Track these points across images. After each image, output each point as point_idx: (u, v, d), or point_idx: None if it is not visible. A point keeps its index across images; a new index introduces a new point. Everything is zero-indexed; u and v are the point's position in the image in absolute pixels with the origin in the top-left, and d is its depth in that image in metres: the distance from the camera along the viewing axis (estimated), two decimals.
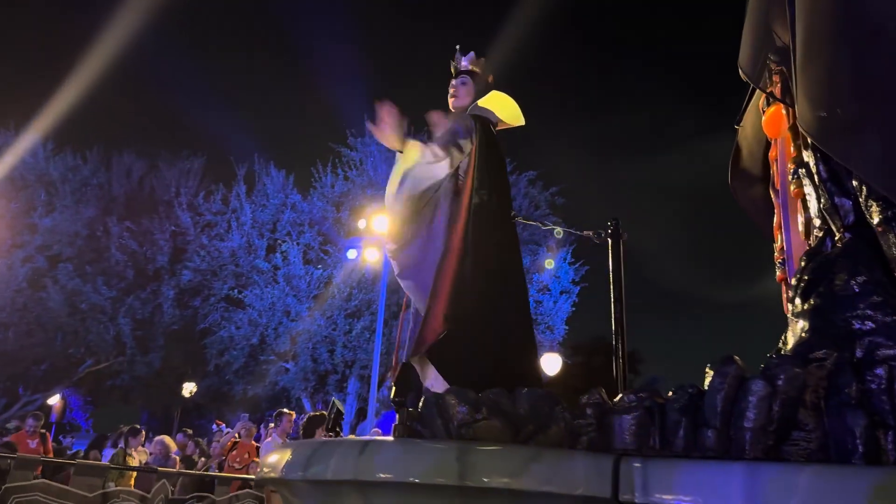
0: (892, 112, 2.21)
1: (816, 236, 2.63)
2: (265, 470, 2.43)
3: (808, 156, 2.70)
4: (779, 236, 3.40)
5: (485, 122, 3.74)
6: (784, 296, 3.35)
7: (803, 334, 2.14)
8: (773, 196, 3.49)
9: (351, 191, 21.00)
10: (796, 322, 2.24)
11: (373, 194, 19.65)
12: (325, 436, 6.37)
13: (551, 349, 18.63)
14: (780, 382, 1.79)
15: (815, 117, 2.43)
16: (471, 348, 3.09)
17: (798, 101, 2.54)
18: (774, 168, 3.45)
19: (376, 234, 16.01)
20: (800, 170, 2.80)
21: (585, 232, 4.24)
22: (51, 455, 10.06)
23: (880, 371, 1.84)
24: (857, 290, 2.10)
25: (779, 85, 3.10)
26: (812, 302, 2.22)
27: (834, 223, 2.52)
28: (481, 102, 3.89)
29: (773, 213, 3.26)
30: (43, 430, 10.28)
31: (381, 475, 1.88)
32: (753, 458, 1.75)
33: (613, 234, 3.91)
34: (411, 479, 1.84)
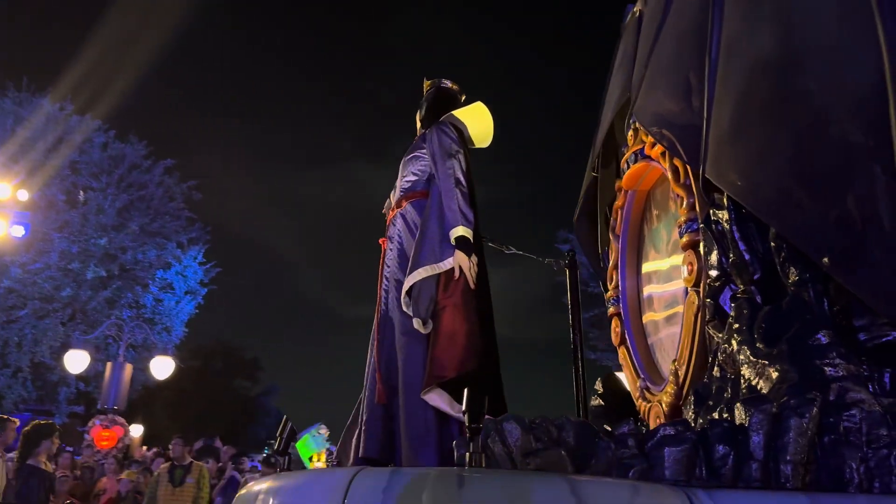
0: (831, 193, 2.56)
1: (711, 285, 2.96)
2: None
3: (716, 214, 3.02)
4: (614, 276, 3.89)
5: (462, 135, 3.71)
6: (614, 329, 3.90)
7: (784, 377, 2.34)
8: (612, 240, 4.00)
9: None
10: (765, 365, 2.44)
11: None
12: (273, 459, 4.89)
13: (164, 352, 17.42)
14: (805, 420, 2.02)
15: (748, 188, 2.80)
16: (485, 377, 3.19)
17: (722, 169, 2.90)
18: (619, 216, 3.95)
19: None
20: (698, 224, 3.13)
21: (547, 260, 4.31)
22: None
23: (854, 412, 2.14)
24: (825, 342, 2.38)
25: (655, 146, 3.50)
26: (783, 348, 2.43)
27: (741, 276, 2.87)
28: (458, 113, 3.84)
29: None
30: None
31: None
32: (794, 488, 1.97)
33: (571, 263, 4.00)
34: None
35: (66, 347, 15.51)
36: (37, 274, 17.12)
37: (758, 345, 2.51)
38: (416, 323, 3.26)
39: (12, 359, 16.81)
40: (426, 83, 4.05)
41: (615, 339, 3.91)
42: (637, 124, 3.82)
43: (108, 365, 14.21)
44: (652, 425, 3.29)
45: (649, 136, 3.66)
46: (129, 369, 14.43)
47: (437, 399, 3.11)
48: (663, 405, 3.34)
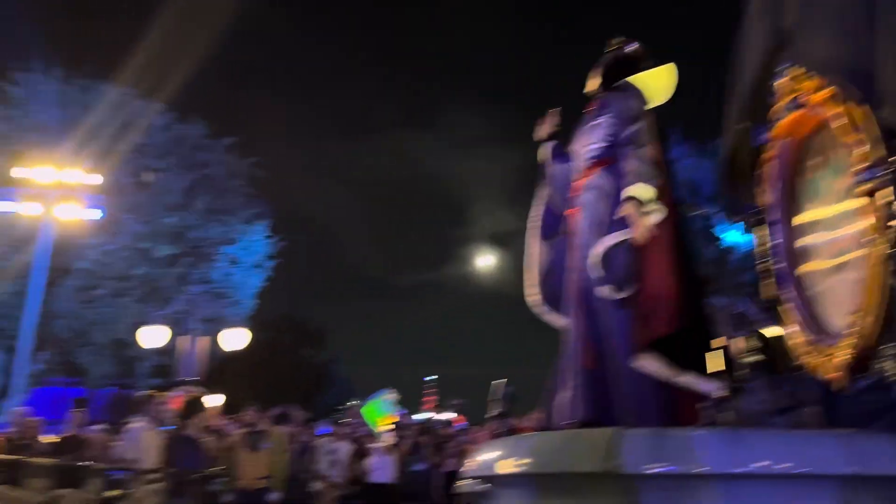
0: None
1: None
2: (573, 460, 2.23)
3: None
4: (767, 229, 3.85)
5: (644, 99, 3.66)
6: (768, 283, 3.85)
7: None
8: (762, 193, 3.97)
9: (11, 133, 17.99)
10: None
11: (38, 140, 17.04)
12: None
13: (236, 324, 18.06)
14: None
15: None
16: (698, 335, 3.20)
17: None
18: (771, 167, 3.91)
19: (39, 186, 13.99)
20: (879, 171, 3.07)
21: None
22: None
23: None
24: None
25: (817, 92, 3.44)
26: None
27: None
28: (640, 77, 3.77)
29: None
30: None
31: (779, 467, 1.87)
32: None
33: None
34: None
35: (142, 324, 16.26)
36: (111, 255, 17.90)
37: None
38: (612, 289, 3.27)
39: (94, 336, 17.71)
40: (611, 43, 3.93)
41: (769, 293, 3.87)
42: (793, 71, 3.69)
43: (184, 339, 14.85)
44: (828, 379, 3.24)
45: (809, 83, 3.54)
46: (203, 342, 15.07)
47: (649, 362, 3.14)
48: (841, 358, 3.23)
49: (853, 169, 3.18)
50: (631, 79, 3.73)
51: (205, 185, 19.98)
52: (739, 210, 4.26)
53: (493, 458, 2.60)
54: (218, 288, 19.59)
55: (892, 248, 2.91)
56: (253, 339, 18.59)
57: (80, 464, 5.90)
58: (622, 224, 3.32)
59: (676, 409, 3.12)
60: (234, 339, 17.51)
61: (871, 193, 3.03)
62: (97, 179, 15.23)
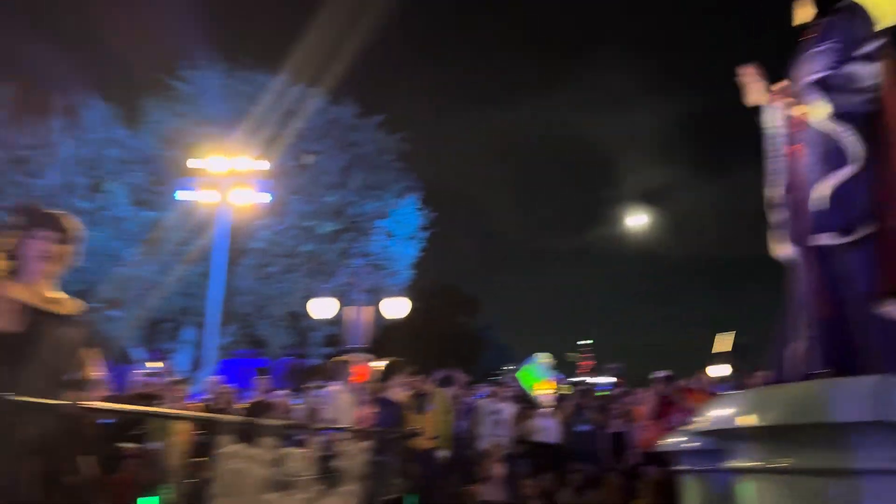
0: None
1: None
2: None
3: None
4: None
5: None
6: None
7: None
8: None
9: (185, 128, 19.78)
10: None
11: (209, 132, 18.63)
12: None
13: (395, 294, 18.91)
14: None
15: None
16: None
17: None
18: None
19: (214, 175, 15.26)
20: None
21: None
22: None
23: None
24: None
25: None
26: None
27: None
28: None
29: None
30: None
31: None
32: None
33: None
34: None
35: (311, 297, 17.45)
36: (281, 234, 19.28)
37: None
38: (841, 232, 3.05)
39: (271, 310, 19.24)
40: None
41: None
42: None
43: (349, 309, 15.78)
44: None
45: None
46: (367, 311, 15.92)
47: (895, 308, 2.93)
48: None
49: None
50: None
51: (358, 163, 20.94)
52: None
53: (730, 413, 2.58)
54: (377, 260, 20.56)
55: None
56: (411, 307, 19.42)
57: (296, 425, 6.48)
58: (851, 158, 3.05)
59: None
60: (395, 307, 18.33)
61: None
62: (264, 165, 16.38)
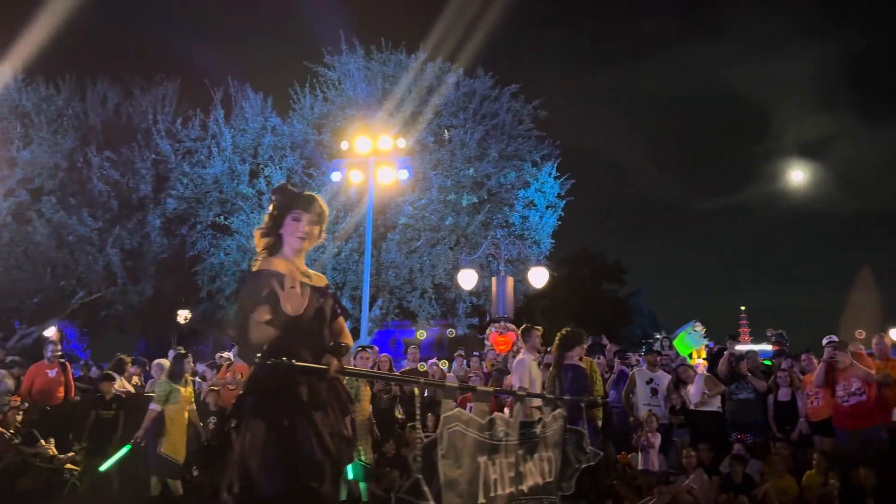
0: None
1: None
2: None
3: None
4: None
5: None
6: None
7: None
8: None
9: (331, 112, 20.78)
10: None
11: (353, 115, 19.46)
12: None
13: (538, 263, 18.99)
14: None
15: None
16: None
17: None
18: None
19: (359, 156, 15.94)
20: None
21: None
22: (72, 384, 10.27)
23: None
24: None
25: None
26: None
27: None
28: None
29: None
30: (62, 360, 10.25)
31: None
32: None
33: None
34: None
35: (457, 268, 17.89)
36: (423, 209, 19.83)
37: None
38: None
39: (418, 282, 19.93)
40: None
41: None
42: None
43: (493, 280, 16.02)
44: None
45: None
46: (510, 282, 16.09)
47: None
48: None
49: None
50: None
51: (495, 135, 21.04)
52: None
53: None
54: (518, 230, 20.68)
55: None
56: (554, 276, 19.44)
57: (502, 391, 6.80)
58: None
59: None
60: (537, 277, 18.39)
61: None
62: (402, 143, 16.90)
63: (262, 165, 20.42)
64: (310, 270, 3.32)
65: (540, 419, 4.69)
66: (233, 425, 2.98)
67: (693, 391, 8.93)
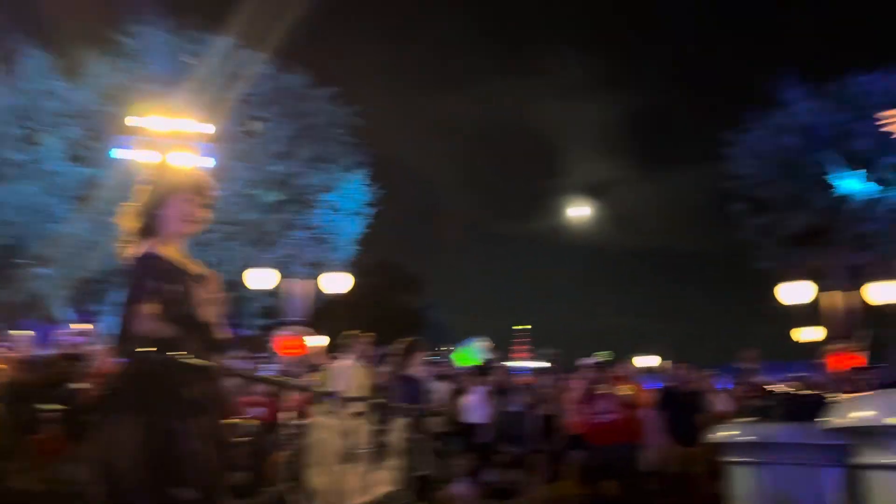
0: None
1: None
2: None
3: None
4: None
5: None
6: None
7: None
8: None
9: (126, 84, 19.04)
10: None
11: (150, 90, 17.94)
12: None
13: (337, 269, 18.78)
14: None
15: None
16: None
17: None
18: None
19: (154, 135, 14.76)
20: None
21: None
22: None
23: None
24: None
25: None
26: None
27: None
28: None
29: None
30: None
31: None
32: None
33: None
34: None
35: (251, 266, 17.17)
36: (223, 200, 18.83)
37: None
38: None
39: None
40: None
41: None
42: None
43: (289, 281, 15.59)
44: None
45: None
46: (307, 285, 15.76)
47: None
48: None
49: None
50: None
51: (308, 134, 20.58)
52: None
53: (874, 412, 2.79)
54: (320, 233, 20.32)
55: None
56: (353, 283, 19.32)
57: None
58: None
59: None
60: (336, 282, 18.18)
61: None
62: (209, 128, 15.95)
63: (38, 131, 18.25)
64: (189, 259, 2.98)
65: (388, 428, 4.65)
66: (97, 419, 2.69)
67: (470, 402, 9.19)
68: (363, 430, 3.90)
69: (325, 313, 21.92)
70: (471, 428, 9.03)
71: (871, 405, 2.83)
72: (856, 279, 16.87)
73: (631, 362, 9.95)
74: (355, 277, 19.52)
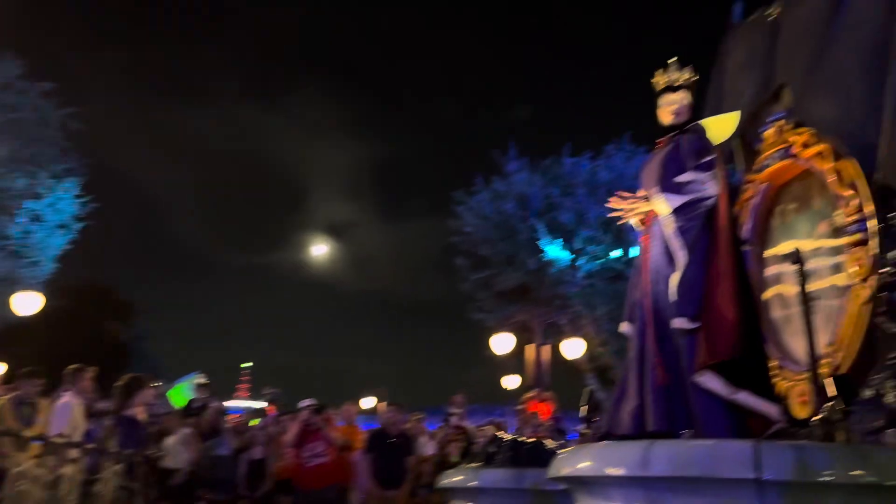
0: None
1: (887, 281, 3.47)
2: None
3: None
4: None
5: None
6: None
7: None
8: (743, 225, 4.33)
9: None
10: None
11: None
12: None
13: (31, 287, 16.40)
14: None
15: None
16: (754, 359, 3.64)
17: None
18: (747, 207, 4.33)
19: None
20: (866, 224, 3.59)
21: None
22: None
23: None
24: None
25: (808, 147, 3.96)
26: None
27: None
28: (706, 121, 4.16)
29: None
30: None
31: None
32: None
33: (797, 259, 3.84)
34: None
35: None
36: None
37: None
38: (687, 320, 3.60)
39: None
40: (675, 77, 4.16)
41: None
42: (782, 124, 4.23)
43: None
44: (796, 403, 3.74)
45: (798, 136, 4.10)
46: None
47: (712, 381, 3.48)
48: (805, 386, 3.66)
49: (844, 219, 3.79)
50: (703, 122, 4.14)
51: (12, 130, 17.91)
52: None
53: (595, 462, 2.95)
54: (15, 244, 17.68)
55: (876, 293, 3.44)
56: (50, 305, 17.00)
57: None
58: (693, 253, 3.69)
59: (740, 423, 3.50)
60: (27, 303, 15.93)
61: (860, 243, 3.65)
62: None
63: None
64: None
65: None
66: None
67: (169, 444, 8.55)
68: (75, 478, 3.42)
69: (13, 338, 18.99)
70: (171, 472, 8.37)
71: (592, 455, 3.12)
72: (555, 335, 19.01)
73: (352, 404, 10.09)
74: (54, 299, 17.23)
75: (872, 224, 3.65)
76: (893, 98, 3.68)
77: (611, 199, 4.23)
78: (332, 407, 10.08)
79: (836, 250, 3.99)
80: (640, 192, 4.11)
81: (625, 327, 4.10)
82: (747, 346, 3.58)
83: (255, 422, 10.45)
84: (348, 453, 8.84)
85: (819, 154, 4.08)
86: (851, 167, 3.86)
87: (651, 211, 3.96)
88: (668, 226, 3.81)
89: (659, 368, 3.70)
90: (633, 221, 4.10)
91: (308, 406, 8.86)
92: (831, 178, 3.97)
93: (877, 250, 3.62)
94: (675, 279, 3.71)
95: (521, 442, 4.56)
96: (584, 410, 3.55)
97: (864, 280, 3.69)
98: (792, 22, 4.48)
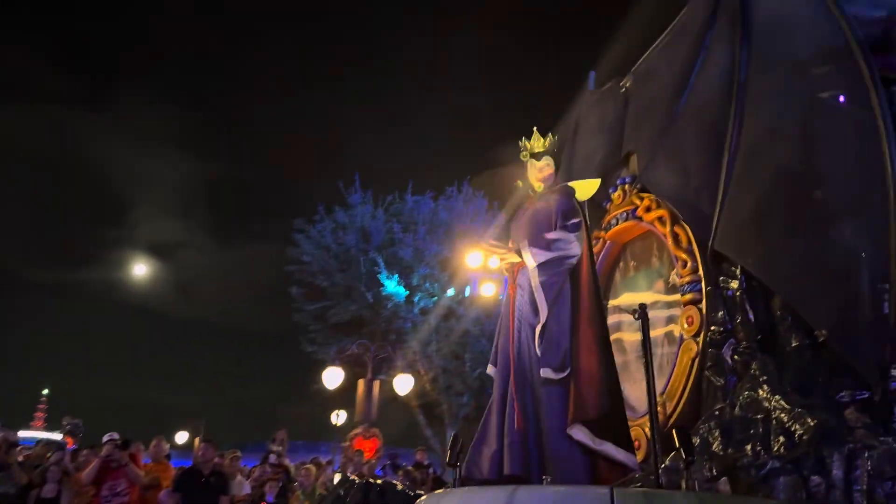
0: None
1: (714, 338, 3.85)
2: None
3: (726, 281, 3.88)
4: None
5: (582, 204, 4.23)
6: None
7: (823, 423, 3.38)
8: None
9: None
10: (800, 413, 3.40)
11: None
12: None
13: None
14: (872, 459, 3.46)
15: (766, 267, 3.67)
16: (616, 411, 3.83)
17: (741, 248, 3.82)
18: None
19: None
20: (700, 286, 4.02)
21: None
22: None
23: (872, 454, 3.34)
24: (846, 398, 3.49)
25: (650, 211, 4.47)
26: (816, 402, 3.46)
27: (747, 334, 3.75)
28: (573, 184, 4.36)
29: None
30: None
31: None
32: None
33: (643, 315, 3.78)
34: None
35: None
36: None
37: (791, 395, 3.45)
38: (552, 370, 3.74)
39: None
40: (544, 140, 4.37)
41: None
42: (628, 188, 4.62)
43: None
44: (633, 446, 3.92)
45: (642, 200, 4.61)
46: None
47: (580, 433, 3.65)
48: (644, 430, 4.12)
49: (679, 280, 4.21)
50: (572, 183, 4.38)
51: None
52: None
53: None
54: None
55: (705, 348, 3.81)
56: None
57: None
58: (555, 307, 3.86)
59: (594, 471, 3.67)
60: None
61: (693, 302, 4.11)
62: None
63: None
64: None
65: None
66: None
67: None
68: None
69: None
70: None
71: (458, 501, 3.15)
72: (388, 370, 18.99)
73: (163, 439, 9.46)
74: None
75: (704, 286, 4.11)
76: (726, 176, 4.23)
77: (482, 245, 4.52)
78: (140, 442, 9.36)
79: (671, 304, 4.46)
80: (510, 244, 4.35)
81: (490, 370, 4.25)
82: (611, 400, 3.80)
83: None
84: (154, 492, 8.26)
85: (659, 218, 4.56)
86: (688, 233, 4.36)
87: (520, 262, 4.16)
88: (534, 278, 4.01)
89: (518, 415, 3.85)
90: (503, 268, 4.31)
91: (110, 440, 8.21)
92: (669, 241, 4.46)
93: (706, 310, 4.10)
94: (538, 330, 3.90)
95: (373, 484, 4.50)
96: (449, 455, 3.62)
97: (695, 336, 4.15)
98: (641, 96, 4.99)
